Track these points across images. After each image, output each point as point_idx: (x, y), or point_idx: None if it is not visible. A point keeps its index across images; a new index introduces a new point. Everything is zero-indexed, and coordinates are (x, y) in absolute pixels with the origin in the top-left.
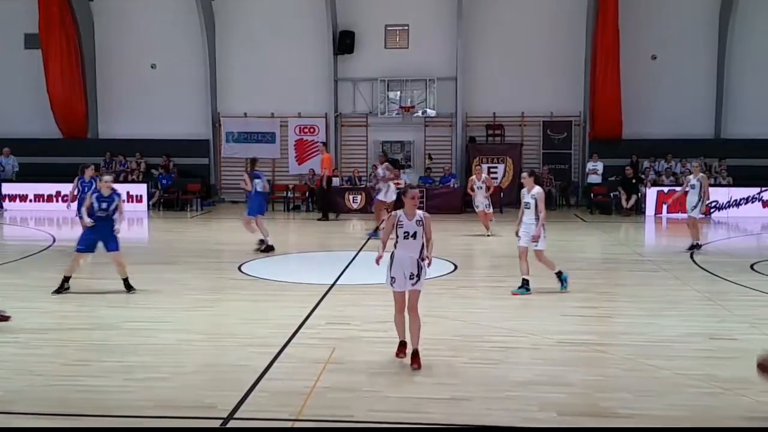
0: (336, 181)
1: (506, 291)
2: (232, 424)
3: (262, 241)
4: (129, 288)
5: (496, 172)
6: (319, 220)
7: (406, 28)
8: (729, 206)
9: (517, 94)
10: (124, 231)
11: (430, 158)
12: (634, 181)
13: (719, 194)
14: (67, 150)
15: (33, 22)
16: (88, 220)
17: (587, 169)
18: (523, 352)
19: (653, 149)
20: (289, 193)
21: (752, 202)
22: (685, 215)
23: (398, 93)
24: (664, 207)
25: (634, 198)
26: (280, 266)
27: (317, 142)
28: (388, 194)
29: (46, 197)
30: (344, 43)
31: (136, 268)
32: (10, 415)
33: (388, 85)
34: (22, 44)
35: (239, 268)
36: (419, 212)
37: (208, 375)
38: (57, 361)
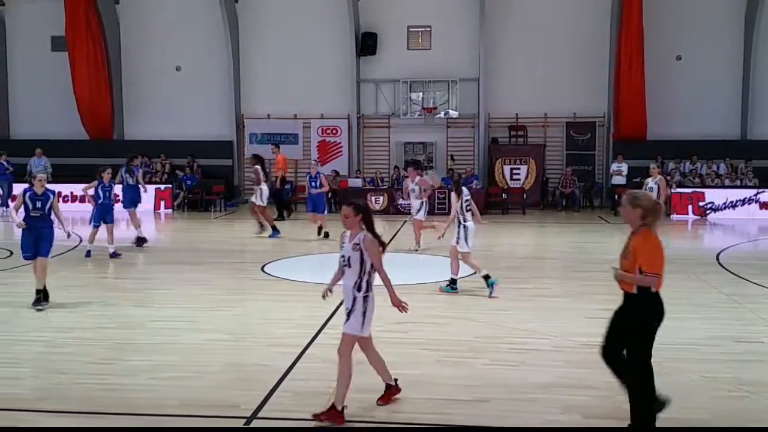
0: (358, 182)
1: (528, 293)
2: (255, 423)
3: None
4: (40, 301)
5: (518, 173)
6: (275, 219)
7: (429, 29)
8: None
9: (540, 95)
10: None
11: (453, 159)
12: None
13: (744, 193)
14: (93, 151)
15: (60, 24)
16: (19, 221)
17: (611, 171)
18: (545, 355)
19: (678, 150)
20: None
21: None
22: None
23: (420, 94)
24: (689, 209)
25: None
26: (302, 267)
27: (340, 143)
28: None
29: (71, 198)
30: (367, 44)
31: (161, 268)
32: (38, 413)
33: (410, 86)
34: (50, 47)
35: (262, 269)
36: (360, 234)
37: (232, 374)
38: (83, 360)
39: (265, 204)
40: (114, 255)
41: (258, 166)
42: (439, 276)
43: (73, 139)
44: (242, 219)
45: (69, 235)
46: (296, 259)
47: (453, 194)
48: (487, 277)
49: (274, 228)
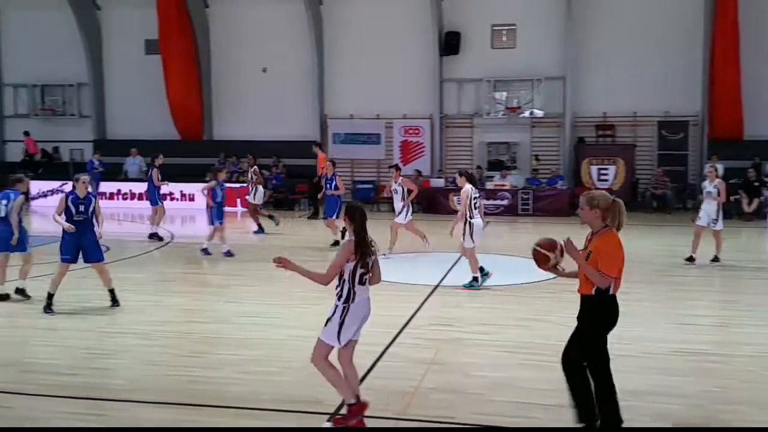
0: (441, 182)
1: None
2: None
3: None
4: (115, 301)
5: (606, 174)
6: (309, 218)
7: (514, 27)
8: None
9: (628, 93)
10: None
11: (537, 159)
12: (756, 183)
13: None
14: (184, 151)
15: (153, 28)
16: (67, 225)
17: (705, 171)
18: (634, 360)
19: None
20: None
21: None
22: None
23: (504, 93)
24: None
25: (756, 202)
26: (384, 266)
27: (422, 143)
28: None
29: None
30: (450, 43)
31: (247, 265)
32: (131, 403)
33: (494, 85)
34: (143, 50)
35: None
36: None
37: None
38: (173, 353)
39: (260, 203)
40: (228, 254)
41: (256, 167)
42: (524, 278)
43: (165, 139)
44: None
45: (101, 236)
46: (379, 258)
47: (462, 191)
48: (481, 273)
49: (260, 227)
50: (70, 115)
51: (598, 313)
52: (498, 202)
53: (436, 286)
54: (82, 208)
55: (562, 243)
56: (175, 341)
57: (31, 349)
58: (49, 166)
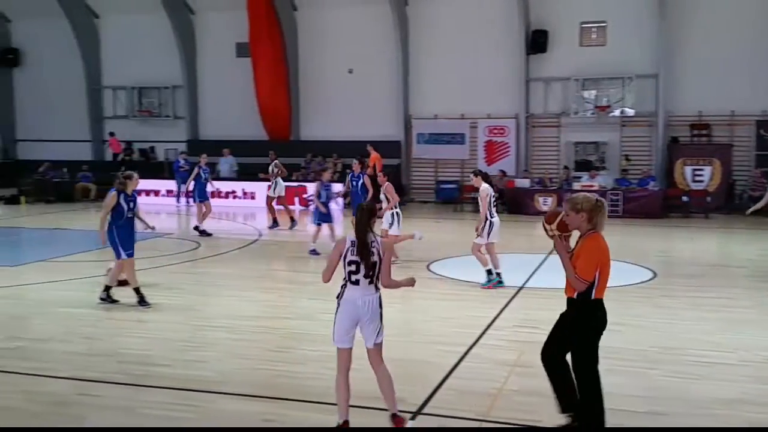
0: (526, 183)
1: (710, 303)
2: (420, 419)
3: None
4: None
5: (701, 175)
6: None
7: (604, 24)
8: None
9: (725, 92)
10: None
11: (627, 159)
12: None
13: None
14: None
15: (243, 31)
16: (149, 224)
17: None
18: (730, 369)
19: None
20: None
21: None
22: None
23: (593, 92)
24: None
25: None
26: (468, 266)
27: (507, 143)
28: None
29: (250, 195)
30: (537, 42)
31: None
32: (220, 395)
33: (582, 83)
34: (234, 53)
35: (428, 267)
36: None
37: (398, 369)
38: (261, 347)
39: (280, 196)
40: (313, 252)
41: (277, 161)
42: (614, 281)
43: (254, 139)
44: (409, 218)
45: (154, 228)
46: (464, 258)
47: (482, 191)
48: (489, 272)
49: (275, 221)
50: (165, 117)
51: (581, 317)
52: None
53: (521, 288)
54: (132, 204)
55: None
56: (263, 336)
57: (127, 341)
58: (145, 165)
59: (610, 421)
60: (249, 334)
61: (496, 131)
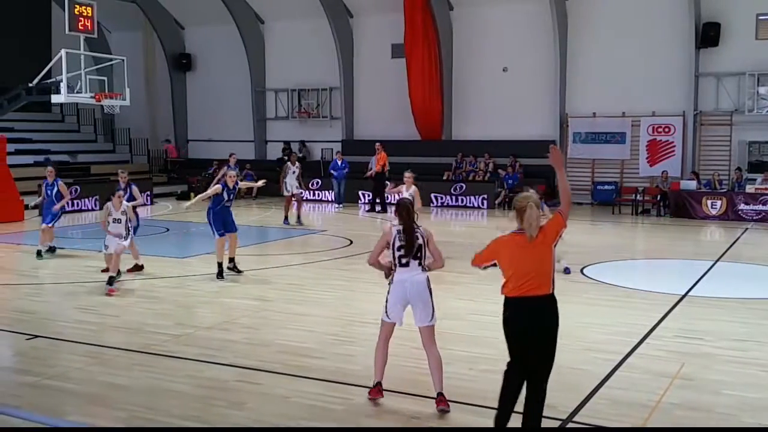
0: (692, 185)
1: None
2: (571, 426)
3: None
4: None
5: None
6: (368, 210)
7: None
8: None
9: None
10: None
11: None
12: None
13: None
14: (423, 151)
15: (399, 33)
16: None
17: None
18: None
19: None
20: (638, 196)
21: None
22: None
23: None
24: None
25: None
26: (625, 271)
27: (673, 142)
28: None
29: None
30: (708, 35)
31: None
32: (368, 390)
33: (757, 79)
34: (390, 54)
35: (581, 271)
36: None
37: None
38: (409, 345)
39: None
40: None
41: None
42: None
43: (407, 139)
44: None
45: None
46: (620, 263)
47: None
48: None
49: (286, 218)
50: (323, 117)
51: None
52: (760, 207)
53: (684, 295)
54: (231, 195)
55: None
56: (411, 334)
57: (283, 332)
58: (302, 163)
59: None
60: (398, 331)
61: (660, 130)
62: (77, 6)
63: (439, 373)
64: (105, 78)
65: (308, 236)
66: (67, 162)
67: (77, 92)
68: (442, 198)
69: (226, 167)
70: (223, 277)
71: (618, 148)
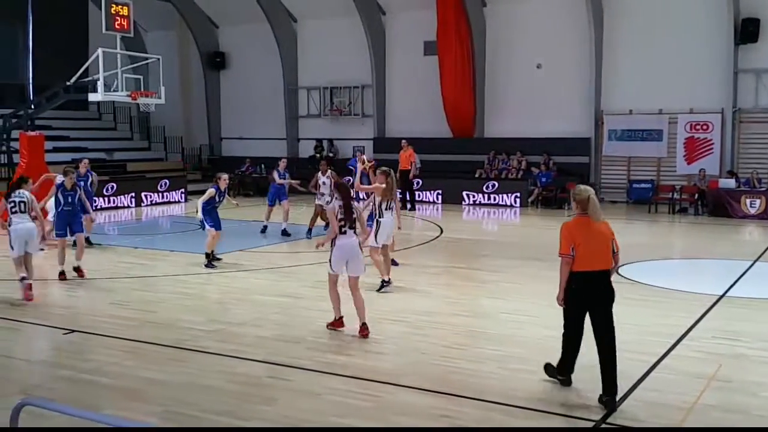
0: (731, 183)
1: None
2: (605, 427)
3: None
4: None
5: None
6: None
7: None
8: None
9: None
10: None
11: None
12: None
13: None
14: (455, 148)
15: (432, 30)
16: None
17: None
18: None
19: None
20: (675, 194)
21: None
22: None
23: None
24: None
25: None
26: (661, 271)
27: (711, 140)
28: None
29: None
30: (747, 30)
31: (513, 263)
32: (396, 387)
33: None
34: (422, 51)
35: (617, 271)
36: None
37: (584, 375)
38: (439, 343)
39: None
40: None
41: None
42: None
43: (438, 137)
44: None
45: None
46: (657, 262)
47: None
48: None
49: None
50: (354, 115)
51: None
52: None
53: (722, 296)
54: (221, 198)
55: None
56: (441, 332)
57: (314, 329)
58: (330, 161)
59: None
60: (426, 329)
61: (698, 127)
62: (114, 5)
63: (362, 311)
64: (141, 77)
65: None
66: (103, 159)
67: (113, 91)
68: (474, 196)
69: (275, 172)
70: (213, 266)
71: (655, 145)
